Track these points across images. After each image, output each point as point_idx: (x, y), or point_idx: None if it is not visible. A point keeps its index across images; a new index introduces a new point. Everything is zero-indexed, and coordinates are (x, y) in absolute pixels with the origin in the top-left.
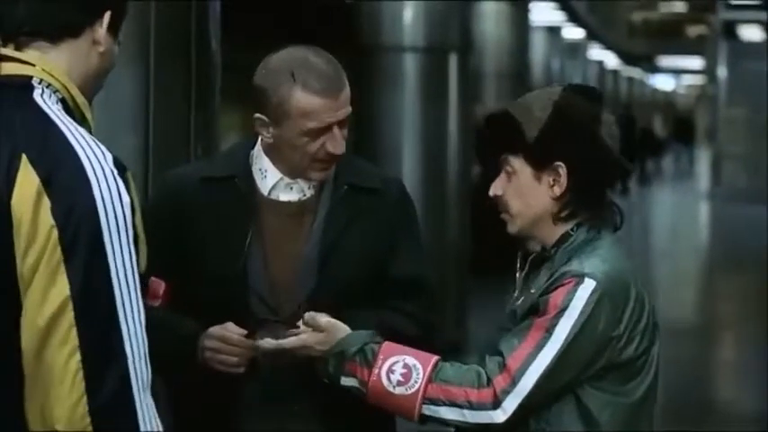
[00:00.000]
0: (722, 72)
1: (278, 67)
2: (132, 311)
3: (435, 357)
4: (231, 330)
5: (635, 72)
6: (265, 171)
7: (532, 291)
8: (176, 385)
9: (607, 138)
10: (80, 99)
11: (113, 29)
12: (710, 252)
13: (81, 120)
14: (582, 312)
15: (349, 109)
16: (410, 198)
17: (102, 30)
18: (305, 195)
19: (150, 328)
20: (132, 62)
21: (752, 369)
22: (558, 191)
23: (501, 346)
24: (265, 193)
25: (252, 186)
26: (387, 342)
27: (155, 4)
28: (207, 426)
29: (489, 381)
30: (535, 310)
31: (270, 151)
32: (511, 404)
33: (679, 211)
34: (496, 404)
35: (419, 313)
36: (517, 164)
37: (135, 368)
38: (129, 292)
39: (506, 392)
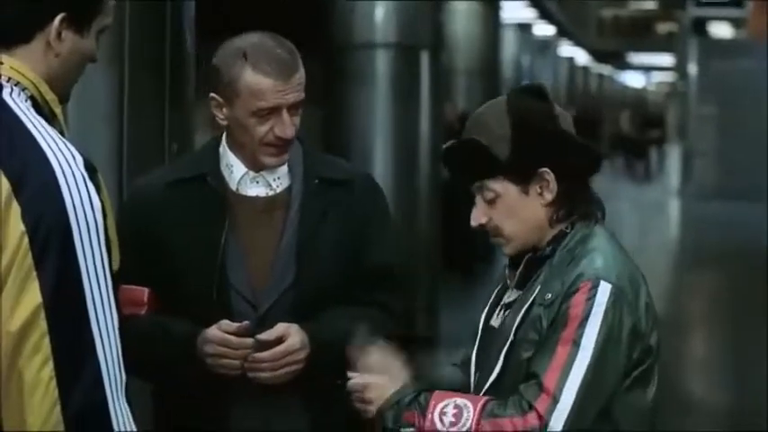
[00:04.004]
0: (692, 69)
1: (233, 49)
2: (105, 316)
3: (484, 398)
4: (227, 329)
5: (605, 69)
6: (231, 166)
7: (548, 296)
8: (159, 384)
9: (567, 128)
10: (49, 96)
11: (77, 27)
12: (681, 249)
13: (51, 116)
14: (604, 317)
15: (301, 94)
16: (380, 189)
17: (53, 33)
18: (272, 190)
19: (142, 336)
20: (106, 59)
21: (722, 366)
22: (549, 196)
23: (533, 368)
24: (234, 187)
25: (222, 183)
26: (438, 390)
27: (128, 2)
28: (192, 419)
29: (531, 405)
30: (556, 318)
31: (230, 140)
32: (558, 422)
33: (649, 208)
34: (543, 427)
35: (394, 304)
36: (498, 186)
37: (108, 372)
38: (102, 297)
39: (550, 412)
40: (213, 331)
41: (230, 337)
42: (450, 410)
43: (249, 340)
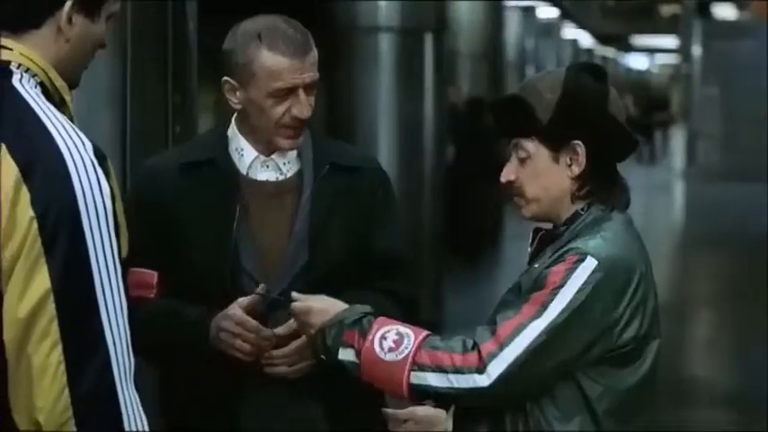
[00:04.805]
0: (696, 51)
1: (246, 31)
2: (113, 301)
3: (427, 331)
4: (241, 304)
5: (609, 52)
6: (242, 150)
7: (536, 266)
8: (171, 370)
9: (616, 112)
10: (59, 82)
11: (87, 12)
12: (685, 229)
13: (60, 103)
14: (579, 291)
15: (316, 74)
16: (387, 176)
17: (63, 17)
18: (282, 174)
19: (153, 317)
20: (109, 43)
21: (726, 348)
22: (576, 170)
23: (496, 316)
24: (244, 172)
25: (232, 167)
26: (382, 316)
27: None
28: (206, 411)
29: (475, 346)
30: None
31: (241, 124)
32: (495, 369)
33: (654, 189)
34: (481, 368)
35: (401, 291)
36: (532, 147)
37: (116, 358)
38: (111, 283)
39: (492, 356)
40: (233, 308)
41: (248, 319)
42: (392, 336)
43: (267, 330)
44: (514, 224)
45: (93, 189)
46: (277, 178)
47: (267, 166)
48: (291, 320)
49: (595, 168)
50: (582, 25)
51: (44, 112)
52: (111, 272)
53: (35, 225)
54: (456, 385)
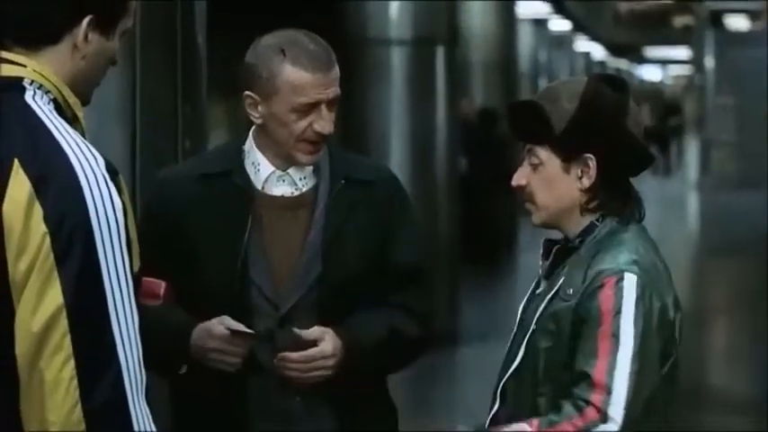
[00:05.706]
0: (709, 62)
1: (269, 45)
2: (125, 316)
3: (531, 418)
4: (229, 326)
5: (622, 63)
6: (258, 164)
7: (570, 291)
8: (178, 383)
9: (633, 127)
10: (72, 99)
11: (103, 29)
12: (701, 240)
13: (73, 119)
14: (637, 306)
15: (338, 90)
16: (403, 188)
17: (80, 34)
18: (298, 189)
19: (146, 326)
20: (118, 56)
21: (743, 356)
22: (586, 182)
23: (580, 368)
24: (259, 186)
25: (247, 181)
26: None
27: (139, 1)
28: (213, 423)
29: (587, 402)
30: (584, 318)
31: (259, 139)
32: (616, 413)
33: (670, 200)
34: (604, 418)
35: (417, 304)
36: (544, 155)
37: (129, 373)
38: (123, 298)
39: (607, 404)
40: (213, 326)
41: (234, 338)
42: None
43: (249, 335)
44: (528, 234)
45: (105, 204)
46: (292, 193)
47: (283, 181)
48: (315, 328)
49: (607, 182)
50: (595, 37)
51: (57, 128)
52: (123, 287)
53: (48, 240)
54: None
